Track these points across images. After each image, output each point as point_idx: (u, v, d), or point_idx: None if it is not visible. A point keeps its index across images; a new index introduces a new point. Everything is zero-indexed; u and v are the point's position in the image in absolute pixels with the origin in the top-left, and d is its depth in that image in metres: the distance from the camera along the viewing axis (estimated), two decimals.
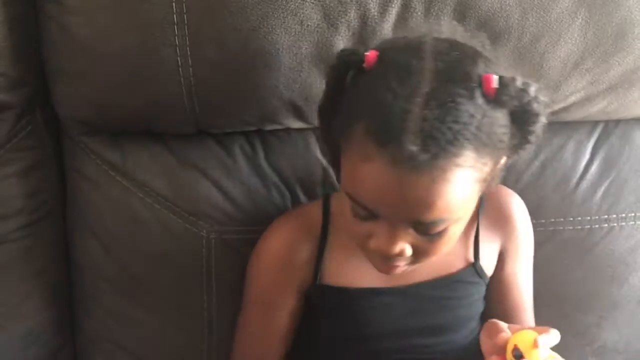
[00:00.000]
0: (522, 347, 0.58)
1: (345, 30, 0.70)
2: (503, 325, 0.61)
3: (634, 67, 0.78)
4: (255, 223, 0.76)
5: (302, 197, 0.80)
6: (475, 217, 0.74)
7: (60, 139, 0.80)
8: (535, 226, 0.80)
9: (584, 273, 0.87)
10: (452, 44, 0.60)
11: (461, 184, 0.56)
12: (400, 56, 0.58)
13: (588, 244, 0.86)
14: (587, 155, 0.86)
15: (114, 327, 0.82)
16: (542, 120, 0.60)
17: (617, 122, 0.87)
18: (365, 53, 0.59)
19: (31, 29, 0.72)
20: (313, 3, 0.68)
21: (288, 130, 0.80)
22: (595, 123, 0.87)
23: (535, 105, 0.58)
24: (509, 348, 0.59)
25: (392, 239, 0.60)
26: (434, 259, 0.65)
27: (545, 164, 0.84)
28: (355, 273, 0.72)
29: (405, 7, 0.70)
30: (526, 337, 0.59)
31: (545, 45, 0.75)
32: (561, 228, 0.85)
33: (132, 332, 0.82)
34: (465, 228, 0.70)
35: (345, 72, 0.61)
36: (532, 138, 0.61)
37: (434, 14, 0.71)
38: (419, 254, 0.62)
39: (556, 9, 0.73)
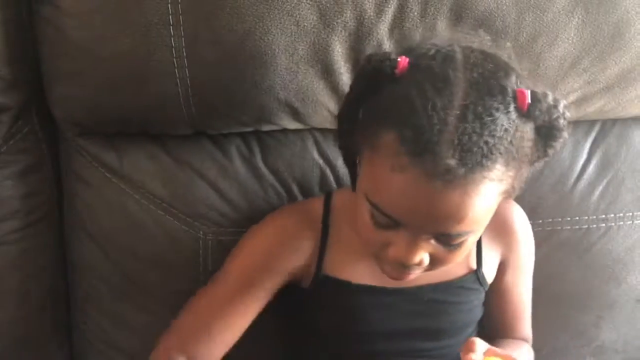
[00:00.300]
0: None
1: (341, 31, 0.69)
2: (480, 346, 0.61)
3: (630, 67, 0.78)
4: (252, 224, 0.76)
5: (299, 198, 0.80)
6: None
7: (56, 141, 0.79)
8: (533, 226, 0.80)
9: (582, 273, 0.87)
10: (485, 55, 0.59)
11: (489, 197, 0.57)
12: (434, 65, 0.57)
13: (586, 243, 0.86)
14: (584, 155, 0.86)
15: (111, 329, 0.82)
16: (565, 135, 0.60)
17: (615, 121, 0.87)
18: (397, 59, 0.58)
19: (27, 31, 0.72)
20: (309, 4, 0.68)
21: (285, 131, 0.80)
22: (593, 122, 0.87)
23: (562, 121, 0.58)
24: None
25: (413, 249, 0.59)
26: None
27: (542, 164, 0.84)
28: (356, 269, 0.72)
29: (402, 8, 0.70)
30: None
31: (542, 45, 0.74)
32: (559, 228, 0.85)
33: (129, 333, 0.82)
34: None
35: (375, 78, 0.59)
36: (551, 152, 0.61)
37: (430, 14, 0.71)
38: (435, 263, 0.62)
39: (552, 8, 0.73)
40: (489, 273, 0.76)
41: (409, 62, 0.58)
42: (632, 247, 0.87)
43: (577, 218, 0.85)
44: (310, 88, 0.72)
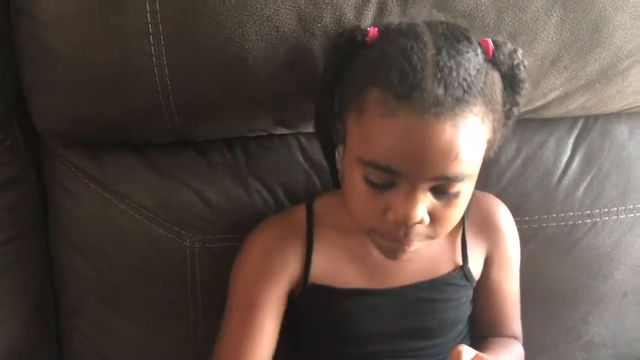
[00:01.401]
0: None
1: (321, 35, 0.69)
2: (467, 354, 0.61)
3: (610, 63, 0.78)
4: (239, 231, 0.76)
5: (286, 203, 0.80)
6: (461, 220, 0.74)
7: (39, 153, 0.79)
8: (519, 224, 0.81)
9: (569, 269, 0.88)
10: (446, 22, 0.63)
11: (477, 135, 0.59)
12: (401, 28, 0.61)
13: (572, 239, 0.87)
14: (568, 152, 0.86)
15: (99, 340, 0.82)
16: (527, 87, 0.65)
17: (597, 117, 0.88)
18: (367, 29, 0.62)
19: (6, 42, 0.71)
20: (288, 9, 0.68)
21: (269, 136, 0.80)
22: (575, 119, 0.87)
23: (522, 69, 0.64)
24: None
25: (413, 204, 0.59)
26: (425, 254, 0.67)
27: (526, 161, 0.85)
28: (343, 274, 0.72)
29: (381, 11, 0.70)
30: None
31: (522, 44, 0.75)
32: (545, 225, 0.86)
33: (118, 343, 0.82)
34: (451, 231, 0.71)
35: (348, 47, 0.63)
36: (516, 110, 0.66)
37: (410, 16, 0.71)
38: (434, 223, 0.62)
39: (531, 7, 0.73)
40: (475, 269, 0.76)
41: (378, 30, 0.62)
42: (618, 242, 0.88)
43: (563, 214, 0.86)
44: (293, 93, 0.72)
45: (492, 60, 0.61)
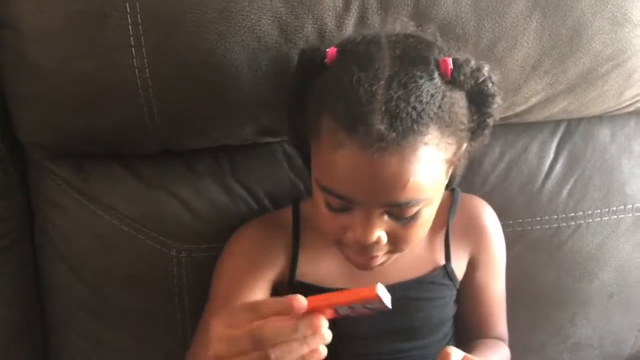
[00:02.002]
0: None
1: (303, 45, 0.70)
2: (456, 356, 0.61)
3: (590, 67, 0.79)
4: (225, 239, 0.76)
5: (271, 210, 0.80)
6: (445, 221, 0.75)
7: (24, 165, 0.79)
8: (503, 227, 0.81)
9: (555, 271, 0.88)
10: (407, 35, 0.64)
11: (429, 162, 0.59)
12: (360, 48, 0.61)
13: (557, 242, 0.87)
14: (551, 155, 0.87)
15: (88, 351, 0.82)
16: (498, 101, 0.64)
17: (579, 120, 0.88)
18: (326, 50, 0.62)
19: None
20: (270, 19, 0.68)
21: (254, 144, 0.80)
22: (558, 122, 0.88)
23: (489, 85, 0.63)
24: None
25: (368, 228, 0.61)
26: (408, 253, 0.67)
27: (510, 165, 0.85)
28: (329, 274, 0.73)
29: (362, 19, 0.71)
30: None
31: (503, 50, 0.76)
32: (529, 228, 0.86)
33: (107, 354, 0.82)
34: (435, 231, 0.73)
35: (308, 70, 0.63)
36: (490, 121, 0.65)
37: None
38: (395, 242, 0.63)
39: (511, 13, 0.74)
40: (459, 269, 0.77)
41: (337, 51, 0.62)
42: (602, 244, 0.88)
43: (547, 217, 0.87)
44: (276, 102, 0.73)
45: (452, 81, 0.60)
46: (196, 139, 0.77)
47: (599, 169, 0.88)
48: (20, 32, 0.68)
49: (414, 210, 0.61)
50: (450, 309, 0.77)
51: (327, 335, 0.51)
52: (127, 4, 0.65)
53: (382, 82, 0.57)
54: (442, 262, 0.75)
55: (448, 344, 0.77)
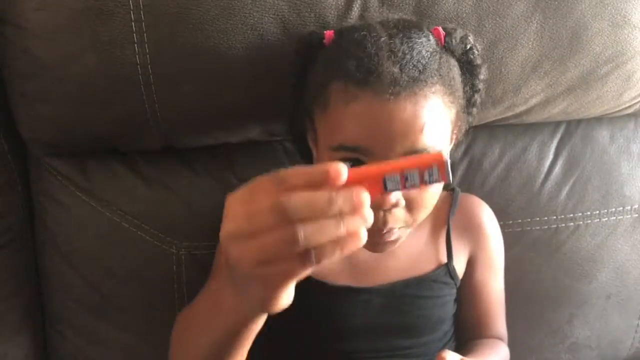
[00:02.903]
0: None
1: None
2: (452, 358, 0.61)
3: (590, 69, 0.80)
4: None
5: None
6: (446, 219, 0.76)
7: (25, 161, 0.79)
8: (503, 228, 0.82)
9: (553, 271, 0.89)
10: (397, 18, 0.67)
11: (439, 112, 0.61)
12: (356, 26, 0.64)
13: (555, 242, 0.88)
14: (550, 156, 0.87)
15: (86, 347, 0.82)
16: (484, 72, 0.68)
17: (579, 122, 0.89)
18: (324, 32, 0.66)
19: None
20: (272, 17, 0.69)
21: (254, 142, 0.80)
22: (558, 124, 0.88)
23: (476, 53, 0.67)
24: None
25: None
26: (410, 251, 0.68)
27: (510, 166, 0.86)
28: (332, 270, 0.73)
29: (363, 17, 0.71)
30: None
31: (503, 51, 0.76)
32: (529, 228, 0.87)
33: (105, 351, 0.82)
34: (436, 230, 0.73)
35: (307, 52, 0.66)
36: (477, 97, 0.69)
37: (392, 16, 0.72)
38: (411, 208, 0.63)
39: (511, 14, 0.75)
40: (459, 268, 0.77)
41: (334, 33, 0.65)
42: (600, 245, 0.89)
43: (546, 218, 0.87)
44: (277, 100, 0.73)
45: (445, 47, 0.64)
46: (197, 137, 0.77)
47: (598, 170, 0.88)
48: (23, 29, 0.68)
49: None
50: (451, 308, 0.78)
51: (369, 215, 0.41)
52: (130, 1, 0.66)
53: (384, 38, 0.61)
54: (444, 260, 0.76)
55: (448, 342, 0.77)
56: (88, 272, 0.79)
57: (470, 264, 0.78)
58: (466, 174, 0.85)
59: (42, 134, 0.74)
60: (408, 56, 0.60)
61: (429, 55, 0.61)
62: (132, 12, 0.66)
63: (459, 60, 0.66)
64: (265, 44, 0.69)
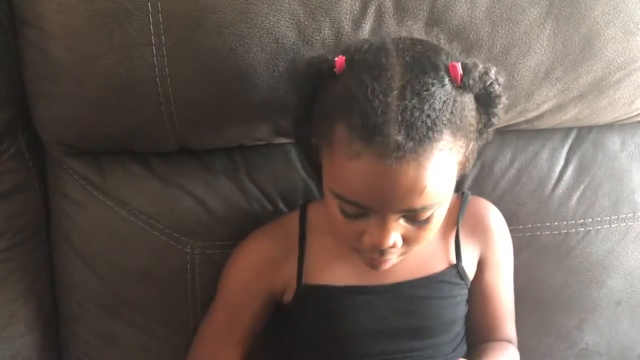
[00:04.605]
0: None
1: (320, 47, 0.71)
2: None
3: (602, 75, 0.80)
4: (238, 237, 0.77)
5: (284, 210, 0.81)
6: (455, 221, 0.76)
7: (43, 161, 0.80)
8: (513, 232, 0.82)
9: (563, 277, 0.89)
10: (414, 40, 0.64)
11: (444, 167, 0.60)
12: (368, 56, 0.61)
13: (565, 248, 0.88)
14: (561, 162, 0.88)
15: (100, 346, 0.82)
16: (504, 101, 0.66)
17: (590, 128, 0.89)
18: (334, 59, 0.62)
19: (12, 53, 0.73)
20: (288, 22, 0.69)
21: (268, 145, 0.81)
22: (569, 130, 0.89)
23: (496, 87, 0.64)
24: None
25: (385, 232, 0.62)
26: (419, 252, 0.68)
27: (521, 171, 0.86)
28: (337, 272, 0.73)
29: (378, 23, 0.72)
30: None
31: (516, 56, 0.77)
32: (539, 233, 0.87)
33: (119, 349, 0.82)
34: (445, 231, 0.74)
35: (317, 79, 0.64)
36: (495, 120, 0.67)
37: (407, 28, 0.73)
38: (409, 243, 0.65)
39: (525, 20, 0.75)
40: (469, 268, 0.77)
41: (345, 60, 0.62)
42: (610, 251, 0.89)
43: (556, 223, 0.87)
44: (292, 103, 0.73)
45: (462, 86, 0.61)
46: (213, 139, 0.78)
47: (609, 177, 0.88)
48: (42, 30, 0.69)
49: (429, 213, 0.63)
50: (462, 309, 0.78)
51: None
52: (149, 4, 0.67)
53: (395, 92, 0.58)
54: (454, 261, 0.76)
55: (460, 344, 0.78)
56: (102, 271, 0.79)
57: (480, 266, 0.78)
58: (477, 178, 0.85)
59: (60, 134, 0.76)
60: (417, 113, 0.57)
61: (441, 106, 0.58)
62: (150, 14, 0.67)
63: (476, 96, 0.63)
64: (280, 48, 0.70)
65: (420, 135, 0.57)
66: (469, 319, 0.79)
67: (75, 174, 0.78)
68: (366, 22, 0.71)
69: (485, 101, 0.64)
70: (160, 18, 0.67)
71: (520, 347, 0.84)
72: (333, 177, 0.63)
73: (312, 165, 0.72)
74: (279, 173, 0.81)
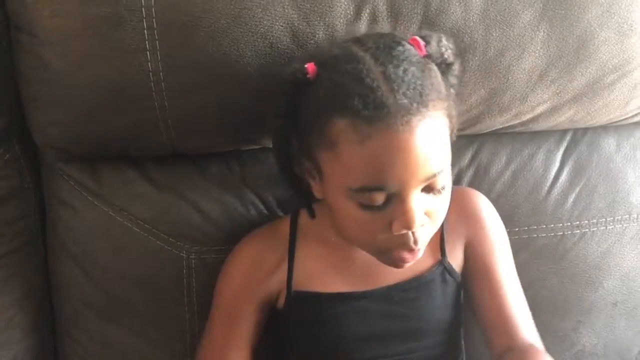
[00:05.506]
0: None
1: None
2: None
3: (596, 77, 0.80)
4: (234, 242, 0.77)
5: (280, 215, 0.81)
6: None
7: (38, 166, 0.81)
8: (509, 234, 0.81)
9: (560, 279, 0.89)
10: (370, 32, 0.68)
11: (442, 129, 0.62)
12: (336, 53, 0.63)
13: (561, 250, 0.88)
14: (557, 164, 0.88)
15: (96, 351, 0.83)
16: (457, 67, 0.69)
17: (585, 130, 0.89)
18: (305, 66, 0.63)
19: (6, 59, 0.73)
20: (282, 26, 0.70)
21: (264, 149, 0.81)
22: (564, 132, 0.89)
23: (450, 53, 0.67)
24: None
25: (411, 211, 0.61)
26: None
27: (516, 173, 0.86)
28: (325, 279, 0.73)
29: (372, 27, 0.72)
30: None
31: (510, 59, 0.77)
32: (535, 236, 0.87)
33: (115, 355, 0.82)
34: None
35: (295, 90, 0.64)
36: (456, 83, 0.69)
37: (400, 32, 0.73)
38: (431, 218, 0.64)
39: (518, 23, 0.75)
40: (455, 261, 0.76)
41: (315, 63, 0.64)
42: (606, 252, 0.89)
43: (552, 225, 0.87)
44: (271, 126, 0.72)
45: (427, 56, 0.64)
46: (208, 143, 0.78)
47: (605, 178, 0.89)
48: (36, 36, 0.69)
49: (443, 179, 0.63)
50: (454, 307, 0.77)
51: None
52: (143, 9, 0.67)
53: (378, 68, 0.59)
54: (439, 257, 0.75)
55: (456, 345, 0.77)
56: (99, 276, 0.79)
57: (471, 252, 0.76)
58: (473, 181, 0.86)
59: (55, 140, 0.76)
60: (405, 81, 0.59)
61: (421, 74, 0.61)
62: (144, 20, 0.67)
63: (438, 65, 0.66)
64: (275, 52, 0.70)
65: (417, 96, 0.59)
66: (479, 317, 0.76)
67: (70, 180, 0.78)
68: (360, 25, 0.72)
69: (444, 69, 0.67)
70: (155, 23, 0.67)
71: None
72: (347, 173, 0.62)
73: (296, 183, 0.71)
74: (274, 177, 0.80)
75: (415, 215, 0.61)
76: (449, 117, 0.64)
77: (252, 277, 0.74)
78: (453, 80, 0.68)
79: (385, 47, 0.62)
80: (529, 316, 0.77)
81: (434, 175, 0.61)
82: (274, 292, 0.74)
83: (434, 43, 0.65)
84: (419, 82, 0.60)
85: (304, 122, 0.64)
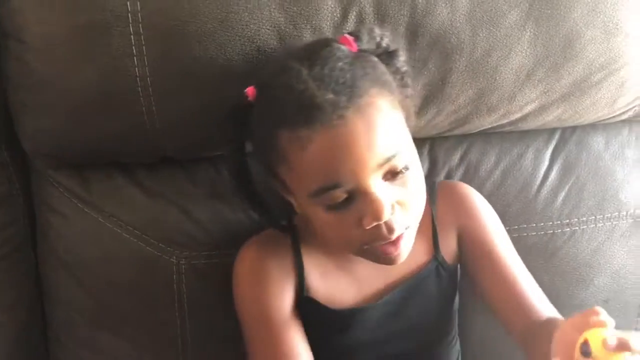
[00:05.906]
0: (592, 344, 0.54)
1: None
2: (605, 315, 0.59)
3: (583, 76, 0.81)
4: (225, 247, 0.77)
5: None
6: (429, 210, 0.74)
7: (27, 173, 0.80)
8: None
9: (550, 277, 0.89)
10: (303, 45, 0.68)
11: (386, 115, 0.62)
12: (269, 68, 0.66)
13: (552, 248, 0.88)
14: (546, 162, 0.88)
15: (88, 358, 0.82)
16: (402, 54, 0.69)
17: (574, 128, 0.90)
18: (245, 90, 0.65)
19: None
20: (269, 29, 0.70)
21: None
22: (553, 131, 0.89)
23: (387, 41, 0.68)
24: (579, 341, 0.54)
25: (378, 201, 0.61)
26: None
27: (506, 172, 0.87)
28: (335, 291, 0.73)
29: (359, 29, 0.72)
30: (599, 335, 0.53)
31: (497, 59, 0.77)
32: (525, 234, 0.87)
33: None
34: (422, 224, 0.70)
35: (239, 115, 0.66)
36: (405, 69, 0.70)
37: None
38: (405, 207, 0.64)
39: (505, 23, 0.76)
40: (449, 253, 0.76)
41: (255, 86, 0.66)
42: (596, 250, 0.89)
43: (542, 224, 0.88)
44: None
45: (360, 50, 0.65)
46: (196, 148, 0.78)
47: (594, 176, 0.89)
48: (23, 42, 0.69)
49: (401, 159, 0.62)
50: (451, 302, 0.78)
51: None
52: (129, 14, 0.67)
53: (305, 72, 0.61)
54: (433, 252, 0.75)
55: (453, 340, 0.78)
56: (89, 283, 0.79)
57: (465, 242, 0.76)
58: (462, 180, 0.86)
59: (44, 147, 0.75)
60: (333, 77, 0.61)
61: (349, 68, 0.62)
62: (130, 25, 0.67)
63: (377, 55, 0.67)
64: (262, 56, 0.70)
65: (346, 89, 0.60)
66: (494, 307, 0.75)
67: (60, 186, 0.78)
68: (347, 28, 0.72)
69: (387, 58, 0.67)
70: (141, 28, 0.67)
71: (509, 348, 0.84)
72: (302, 180, 0.63)
73: (257, 204, 0.72)
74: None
75: (382, 204, 0.61)
76: (400, 101, 0.65)
77: (266, 277, 0.72)
78: (401, 65, 0.69)
79: (313, 52, 0.63)
80: (539, 290, 0.76)
81: (388, 160, 0.61)
82: (291, 291, 0.72)
83: (364, 36, 0.66)
84: (347, 75, 0.61)
85: (258, 144, 0.66)
